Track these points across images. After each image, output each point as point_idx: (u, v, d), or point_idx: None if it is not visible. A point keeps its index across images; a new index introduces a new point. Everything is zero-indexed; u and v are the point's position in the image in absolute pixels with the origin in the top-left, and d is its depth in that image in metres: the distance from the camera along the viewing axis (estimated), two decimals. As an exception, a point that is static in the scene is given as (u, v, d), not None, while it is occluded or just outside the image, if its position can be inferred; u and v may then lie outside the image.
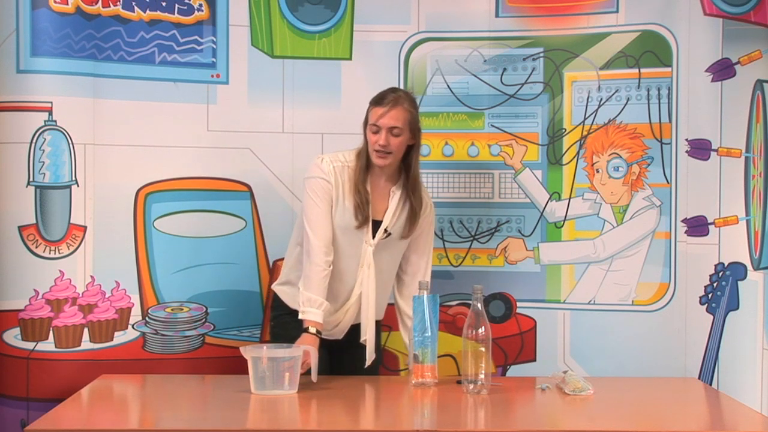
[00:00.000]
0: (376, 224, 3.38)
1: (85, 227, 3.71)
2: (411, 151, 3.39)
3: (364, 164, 3.38)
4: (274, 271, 3.83)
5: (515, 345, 3.91)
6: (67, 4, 3.66)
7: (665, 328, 3.81)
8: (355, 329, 3.42)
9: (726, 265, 3.75)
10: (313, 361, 3.16)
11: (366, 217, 3.35)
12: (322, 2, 3.88)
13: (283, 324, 3.47)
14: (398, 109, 3.32)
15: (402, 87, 3.41)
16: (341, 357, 3.44)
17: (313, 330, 3.24)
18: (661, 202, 3.83)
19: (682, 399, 3.29)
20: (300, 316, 3.28)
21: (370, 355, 3.39)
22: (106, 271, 3.73)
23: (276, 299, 3.52)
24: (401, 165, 3.40)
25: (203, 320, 3.82)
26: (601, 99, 3.87)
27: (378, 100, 3.36)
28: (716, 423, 3.13)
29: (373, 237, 3.37)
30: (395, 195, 3.40)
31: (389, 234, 3.39)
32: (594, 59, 3.86)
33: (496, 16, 3.90)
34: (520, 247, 3.93)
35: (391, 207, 3.39)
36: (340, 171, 3.36)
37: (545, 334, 3.90)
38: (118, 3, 3.73)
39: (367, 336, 3.38)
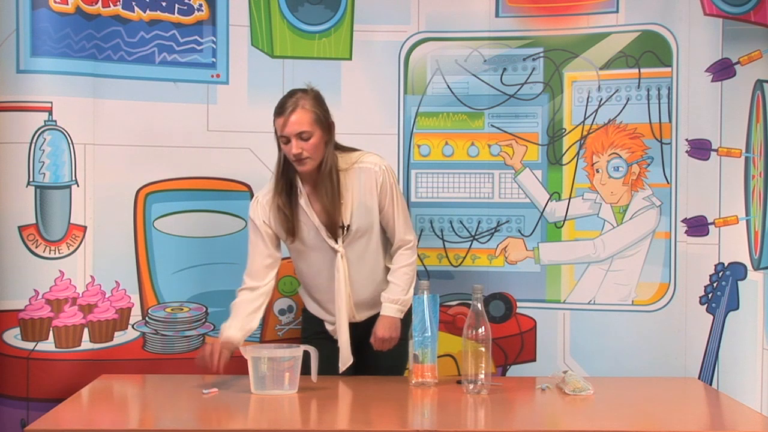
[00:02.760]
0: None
1: (85, 227, 3.71)
2: (326, 147, 3.31)
3: (281, 180, 3.33)
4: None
5: (515, 345, 3.91)
6: (67, 4, 3.66)
7: (665, 328, 3.81)
8: (371, 320, 3.42)
9: (726, 265, 3.75)
10: (314, 362, 3.16)
11: (291, 229, 3.33)
12: (322, 2, 3.88)
13: (304, 319, 3.56)
14: (298, 113, 3.24)
15: (308, 87, 3.33)
16: (364, 349, 3.44)
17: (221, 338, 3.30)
18: (661, 202, 3.83)
19: (682, 399, 3.29)
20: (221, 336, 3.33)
21: (344, 360, 3.37)
22: (106, 271, 3.73)
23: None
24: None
25: (203, 320, 3.82)
26: (601, 99, 3.87)
27: (278, 111, 3.27)
28: (716, 423, 3.13)
29: (336, 240, 3.35)
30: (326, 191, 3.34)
31: (350, 228, 3.35)
32: (594, 59, 3.86)
33: (496, 16, 3.90)
34: (520, 247, 3.93)
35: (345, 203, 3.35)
36: (271, 203, 3.36)
37: (545, 334, 3.90)
38: (118, 3, 3.73)
39: (341, 338, 3.37)
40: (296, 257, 3.45)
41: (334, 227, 3.33)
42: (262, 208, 3.38)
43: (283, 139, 3.27)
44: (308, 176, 3.33)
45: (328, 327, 3.47)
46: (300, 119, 3.24)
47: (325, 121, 3.30)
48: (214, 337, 3.81)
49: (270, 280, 3.40)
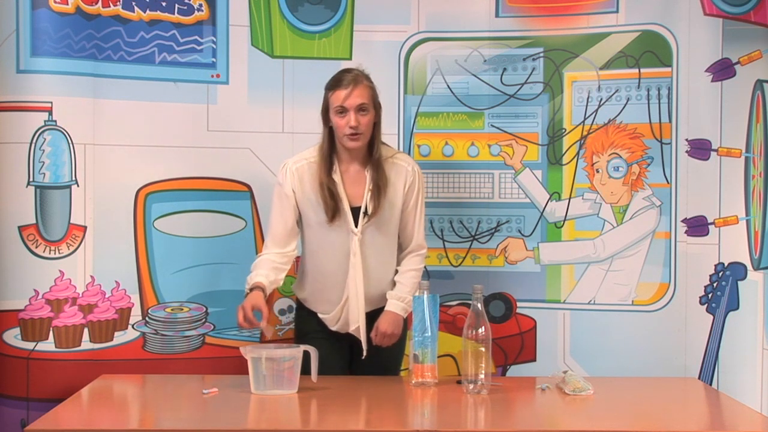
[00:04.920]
0: (359, 211, 3.36)
1: (85, 227, 3.71)
2: (374, 129, 3.37)
3: (327, 156, 3.35)
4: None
5: (515, 345, 3.91)
6: (67, 4, 3.66)
7: (665, 328, 3.81)
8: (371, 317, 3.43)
9: (726, 265, 3.75)
10: (314, 362, 3.16)
11: (336, 209, 3.34)
12: (322, 2, 3.88)
13: (299, 318, 3.57)
14: (361, 87, 3.31)
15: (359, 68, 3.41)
16: (359, 347, 3.44)
17: (248, 288, 3.30)
18: (661, 202, 3.83)
19: (682, 399, 3.29)
20: (246, 287, 3.33)
21: (365, 345, 3.39)
22: (106, 271, 3.73)
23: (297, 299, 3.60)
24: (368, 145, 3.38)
25: (203, 320, 3.82)
26: (601, 99, 3.87)
27: (336, 84, 3.32)
28: (716, 423, 3.13)
29: (356, 224, 3.36)
30: (368, 176, 3.37)
31: (372, 216, 3.36)
32: (594, 59, 3.86)
33: (496, 16, 3.90)
34: (520, 247, 3.93)
35: (368, 189, 3.36)
36: (304, 171, 3.37)
37: (545, 334, 3.90)
38: (118, 3, 3.73)
39: (359, 325, 3.39)
40: (310, 235, 3.43)
41: (374, 212, 3.34)
42: (292, 175, 3.37)
43: (339, 109, 3.30)
44: (347, 157, 3.35)
45: (323, 317, 3.45)
46: (361, 92, 3.30)
47: (377, 101, 3.37)
48: (214, 338, 3.82)
49: (293, 248, 3.41)
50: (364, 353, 3.40)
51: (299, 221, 3.43)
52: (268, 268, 3.35)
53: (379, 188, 3.35)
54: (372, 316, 3.43)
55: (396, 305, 3.41)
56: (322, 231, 3.38)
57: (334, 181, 3.35)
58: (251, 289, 3.29)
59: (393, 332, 3.40)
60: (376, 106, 3.36)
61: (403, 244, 3.47)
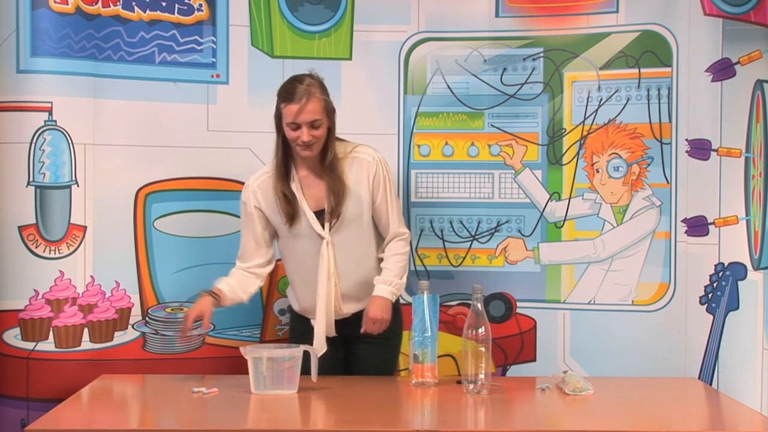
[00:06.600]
0: (324, 214, 3.35)
1: (85, 227, 3.71)
2: (328, 134, 3.33)
3: (281, 164, 3.34)
4: (273, 271, 3.83)
5: (515, 345, 3.91)
6: (67, 4, 3.66)
7: (665, 328, 3.81)
8: (358, 317, 3.41)
9: (726, 265, 3.75)
10: (314, 362, 3.16)
11: (293, 214, 3.33)
12: (322, 2, 3.88)
13: (293, 318, 3.58)
14: (313, 101, 3.25)
15: (312, 73, 3.34)
16: (353, 347, 3.46)
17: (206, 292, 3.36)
18: (661, 202, 3.83)
19: (682, 399, 3.29)
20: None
21: (318, 347, 3.33)
22: (106, 271, 3.73)
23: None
24: None
25: (203, 320, 3.81)
26: (601, 99, 3.87)
27: (289, 96, 3.26)
28: (716, 423, 3.13)
29: (323, 227, 3.34)
30: (325, 180, 3.36)
31: (337, 218, 3.34)
32: (594, 59, 3.86)
33: (496, 16, 3.90)
34: (520, 247, 3.93)
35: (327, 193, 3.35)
36: (266, 185, 3.37)
37: (545, 334, 3.90)
38: (118, 3, 3.73)
39: (317, 327, 3.37)
40: (283, 245, 3.45)
41: (335, 214, 3.33)
42: (253, 193, 3.39)
43: (292, 126, 3.27)
44: (304, 162, 3.34)
45: (314, 323, 3.45)
46: (314, 108, 3.25)
47: (330, 109, 3.32)
48: (214, 338, 3.82)
49: (261, 262, 3.43)
50: (317, 355, 3.26)
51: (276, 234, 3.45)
52: (236, 279, 3.40)
53: (337, 192, 3.32)
54: (358, 320, 3.40)
55: (383, 289, 3.36)
56: (293, 240, 3.39)
57: (290, 188, 3.34)
58: (208, 292, 3.35)
59: (383, 317, 3.35)
60: (329, 114, 3.30)
61: (383, 234, 3.45)
